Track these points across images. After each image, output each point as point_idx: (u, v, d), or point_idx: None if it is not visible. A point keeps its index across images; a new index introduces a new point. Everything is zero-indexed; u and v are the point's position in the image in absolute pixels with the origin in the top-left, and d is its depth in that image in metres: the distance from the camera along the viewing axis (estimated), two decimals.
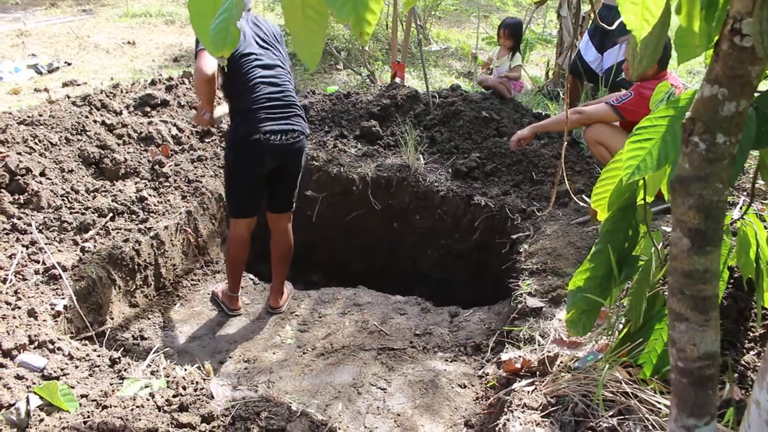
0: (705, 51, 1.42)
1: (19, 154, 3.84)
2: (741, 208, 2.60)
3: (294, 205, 3.94)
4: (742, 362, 2.59)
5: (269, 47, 3.67)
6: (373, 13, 1.08)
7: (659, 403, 2.23)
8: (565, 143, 2.27)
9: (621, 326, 2.53)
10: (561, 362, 2.72)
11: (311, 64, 1.23)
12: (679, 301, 1.30)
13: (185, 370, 2.70)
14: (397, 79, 6.70)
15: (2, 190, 3.62)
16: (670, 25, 1.46)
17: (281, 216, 3.94)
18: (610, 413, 2.22)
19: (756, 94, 1.51)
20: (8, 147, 3.87)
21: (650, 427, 2.11)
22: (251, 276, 4.43)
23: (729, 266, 2.42)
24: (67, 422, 2.21)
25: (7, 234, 3.43)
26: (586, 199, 4.12)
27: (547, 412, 2.40)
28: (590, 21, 6.85)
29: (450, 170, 4.95)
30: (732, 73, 1.15)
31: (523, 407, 2.50)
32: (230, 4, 1.18)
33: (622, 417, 2.20)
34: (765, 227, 2.15)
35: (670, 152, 1.73)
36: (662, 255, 2.15)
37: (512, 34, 6.02)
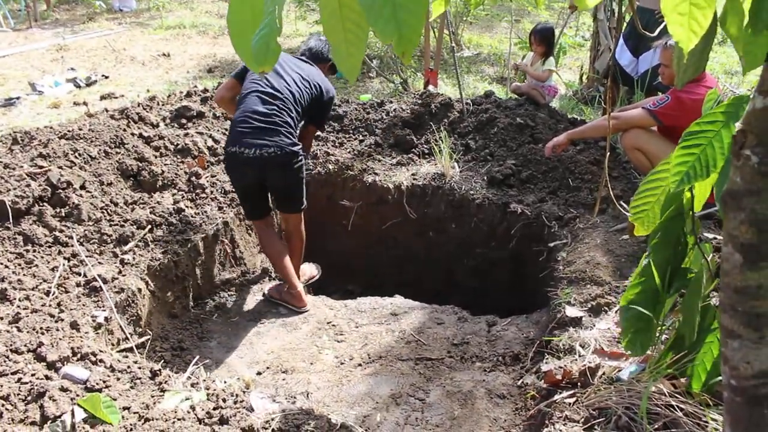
0: None
1: (60, 168, 3.91)
2: None
3: (299, 208, 4.11)
4: None
5: (284, 81, 3.91)
6: (417, 32, 1.07)
7: (706, 416, 2.18)
8: (608, 153, 2.23)
9: (665, 338, 2.48)
10: (603, 373, 2.68)
11: (351, 76, 1.22)
12: (732, 317, 1.27)
13: (225, 382, 2.72)
14: (431, 87, 6.68)
15: (44, 203, 3.69)
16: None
17: (287, 215, 4.19)
18: (655, 427, 2.18)
19: None
20: (50, 161, 3.94)
21: None
22: None
23: None
24: None
25: (49, 247, 3.49)
26: (625, 205, 4.06)
27: (589, 424, 2.36)
28: (625, 24, 6.76)
29: (485, 178, 4.92)
30: None
31: (564, 419, 2.46)
32: (270, 20, 1.18)
33: (668, 430, 2.15)
34: None
35: (718, 158, 1.69)
36: (712, 267, 2.10)
37: (543, 40, 5.97)
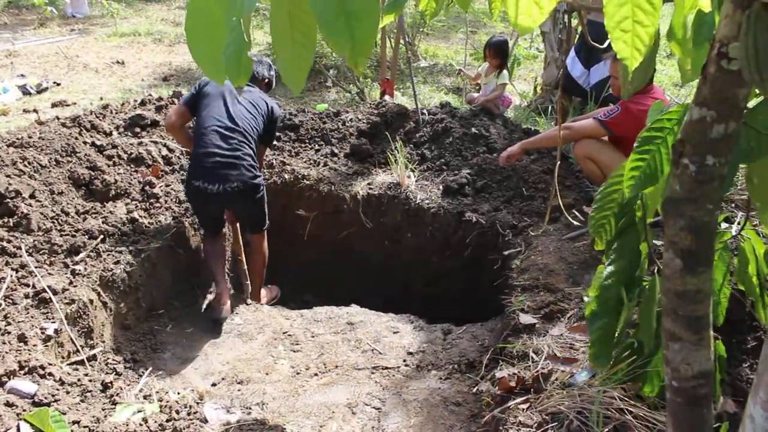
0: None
1: (8, 176, 3.82)
2: (739, 223, 2.61)
3: (261, 229, 4.30)
4: (736, 375, 2.61)
5: (240, 112, 4.04)
6: (368, 43, 1.08)
7: (654, 419, 2.23)
8: (558, 162, 2.28)
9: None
10: (556, 379, 2.72)
11: (296, 89, 1.23)
12: (673, 321, 1.31)
13: (178, 393, 2.69)
14: (387, 97, 6.72)
15: None
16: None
17: (252, 235, 4.39)
18: (606, 430, 2.22)
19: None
20: None
21: None
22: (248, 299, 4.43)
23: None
24: None
25: None
26: (577, 214, 4.14)
27: (542, 429, 2.40)
28: (576, 36, 6.90)
29: (440, 187, 4.96)
30: (720, 95, 1.16)
31: (518, 425, 2.50)
32: (236, 36, 1.18)
33: None
34: (765, 242, 2.15)
35: (665, 164, 1.74)
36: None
37: (499, 53, 6.06)
